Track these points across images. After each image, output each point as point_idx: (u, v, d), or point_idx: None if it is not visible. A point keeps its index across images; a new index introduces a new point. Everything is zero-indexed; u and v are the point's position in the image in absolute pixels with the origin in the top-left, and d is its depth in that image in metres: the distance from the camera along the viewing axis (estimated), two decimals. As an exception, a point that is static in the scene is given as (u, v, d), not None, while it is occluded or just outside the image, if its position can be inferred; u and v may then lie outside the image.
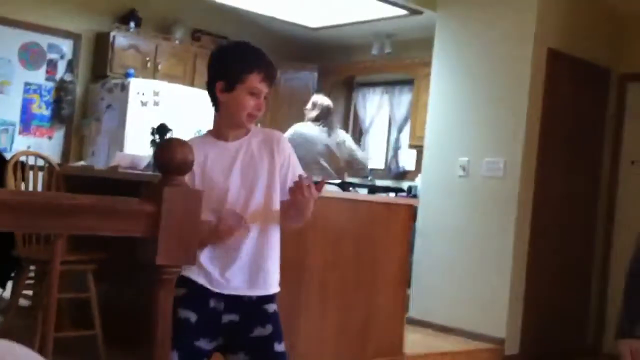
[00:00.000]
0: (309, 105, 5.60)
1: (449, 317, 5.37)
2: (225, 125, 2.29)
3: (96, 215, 1.19)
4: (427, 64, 6.10)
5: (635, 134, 5.76)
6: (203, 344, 2.19)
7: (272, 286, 2.29)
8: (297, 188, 2.13)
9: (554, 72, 5.32)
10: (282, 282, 3.78)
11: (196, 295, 2.16)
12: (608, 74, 5.81)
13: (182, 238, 1.27)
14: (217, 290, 2.20)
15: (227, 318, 2.21)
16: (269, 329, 2.24)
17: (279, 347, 2.25)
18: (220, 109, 2.29)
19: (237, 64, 2.24)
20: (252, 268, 2.23)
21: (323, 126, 5.49)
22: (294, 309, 3.83)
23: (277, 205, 2.27)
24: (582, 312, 5.75)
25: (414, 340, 4.84)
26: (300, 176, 2.16)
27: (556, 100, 5.36)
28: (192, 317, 2.17)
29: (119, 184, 3.88)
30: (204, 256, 2.18)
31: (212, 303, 2.20)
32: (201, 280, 2.19)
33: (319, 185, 2.18)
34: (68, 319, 4.12)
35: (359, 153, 5.69)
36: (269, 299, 2.28)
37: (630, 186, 5.74)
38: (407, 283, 4.71)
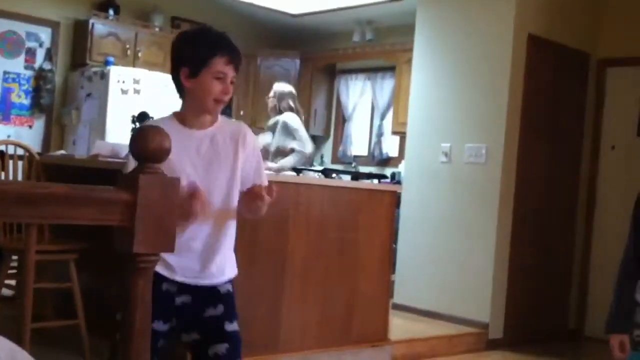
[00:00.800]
0: (271, 94, 5.56)
1: (433, 302, 5.40)
2: (192, 113, 2.27)
3: (71, 204, 1.17)
4: (409, 50, 6.10)
5: (614, 118, 5.79)
6: (158, 326, 2.21)
7: (224, 275, 2.32)
8: (252, 195, 2.19)
9: (534, 58, 5.34)
10: (266, 269, 3.77)
11: None
12: (587, 59, 5.83)
13: (159, 225, 1.26)
14: (170, 277, 2.22)
15: (179, 300, 2.24)
16: (220, 309, 2.27)
17: (230, 327, 2.28)
18: (187, 96, 2.26)
19: (201, 48, 2.22)
20: (206, 260, 2.25)
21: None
22: (277, 295, 3.83)
23: (235, 202, 2.28)
24: (564, 296, 5.80)
25: (398, 326, 4.86)
26: (254, 186, 2.21)
27: (537, 85, 5.38)
28: None
29: (100, 173, 3.85)
30: None
31: (165, 286, 2.22)
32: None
33: (269, 190, 2.21)
34: (51, 309, 4.10)
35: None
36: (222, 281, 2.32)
37: (610, 171, 5.78)
38: (392, 269, 4.73)
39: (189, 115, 2.27)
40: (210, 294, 2.27)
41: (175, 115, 2.30)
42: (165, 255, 2.17)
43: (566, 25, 5.62)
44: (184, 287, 2.24)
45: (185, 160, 2.20)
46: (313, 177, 4.49)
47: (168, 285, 2.22)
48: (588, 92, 5.87)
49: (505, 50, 5.22)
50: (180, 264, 2.21)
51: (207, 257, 2.24)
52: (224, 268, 2.30)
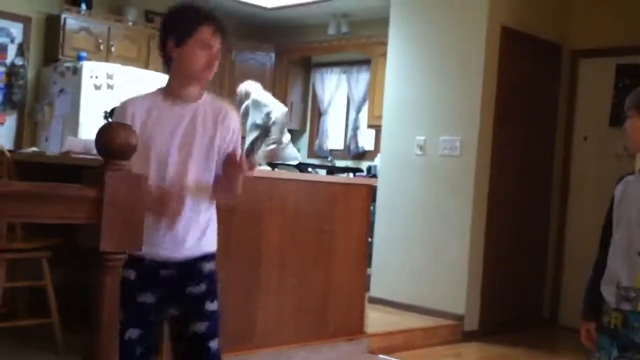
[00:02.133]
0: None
1: (409, 295, 5.42)
2: (178, 83, 2.27)
3: (35, 202, 1.16)
4: (384, 43, 6.10)
5: (587, 110, 5.84)
6: (146, 298, 2.23)
7: (204, 247, 2.29)
8: (230, 161, 2.19)
9: (507, 50, 5.36)
10: (241, 262, 3.76)
11: (131, 254, 2.15)
12: (560, 50, 5.88)
13: (126, 223, 1.25)
14: (149, 256, 2.19)
15: (164, 273, 2.25)
16: (202, 287, 2.27)
17: (211, 306, 2.29)
18: (173, 66, 2.28)
19: (187, 17, 2.26)
20: (183, 235, 2.23)
21: None
22: (253, 288, 3.83)
23: (210, 181, 2.28)
24: (538, 286, 5.85)
25: (375, 319, 4.87)
26: (232, 152, 2.22)
27: (510, 77, 5.41)
28: (131, 274, 2.19)
29: (72, 170, 3.81)
30: None
31: (147, 261, 2.21)
32: None
33: (248, 161, 2.22)
34: (25, 307, 4.06)
35: None
36: (205, 258, 2.30)
37: (583, 162, 5.83)
38: (368, 262, 4.74)
39: (175, 86, 2.27)
40: (193, 271, 2.26)
41: (160, 90, 2.31)
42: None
43: (539, 17, 5.65)
44: (166, 263, 2.23)
45: (165, 133, 2.21)
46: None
47: (150, 261, 2.21)
48: (561, 83, 5.92)
49: (478, 42, 5.24)
50: (159, 243, 2.19)
51: (185, 233, 2.23)
52: (203, 243, 2.28)
